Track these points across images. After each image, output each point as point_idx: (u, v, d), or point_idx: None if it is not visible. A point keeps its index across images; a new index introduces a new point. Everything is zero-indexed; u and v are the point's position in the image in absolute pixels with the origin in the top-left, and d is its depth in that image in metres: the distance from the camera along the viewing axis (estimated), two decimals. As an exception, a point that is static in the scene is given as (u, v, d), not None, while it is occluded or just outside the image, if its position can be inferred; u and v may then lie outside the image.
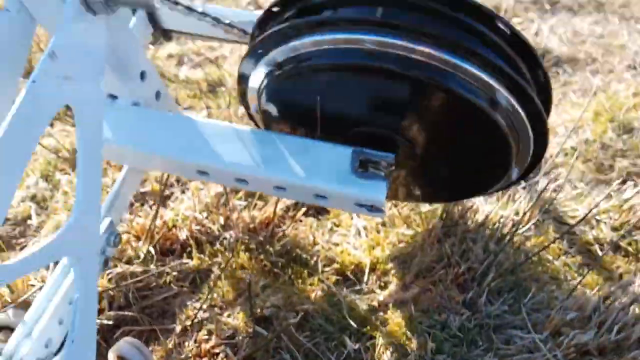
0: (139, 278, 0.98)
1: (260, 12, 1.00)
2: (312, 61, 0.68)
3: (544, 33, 2.05)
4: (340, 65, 0.67)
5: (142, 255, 1.02)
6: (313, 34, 0.66)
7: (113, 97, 0.80)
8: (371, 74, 0.68)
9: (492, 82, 0.64)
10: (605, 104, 1.58)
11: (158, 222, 1.07)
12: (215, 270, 1.04)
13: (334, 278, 1.06)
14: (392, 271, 1.09)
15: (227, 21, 0.87)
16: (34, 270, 0.60)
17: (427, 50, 0.62)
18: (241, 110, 1.57)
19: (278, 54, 0.70)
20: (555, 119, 1.57)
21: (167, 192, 1.25)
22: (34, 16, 0.66)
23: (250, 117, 0.89)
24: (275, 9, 0.74)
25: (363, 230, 1.17)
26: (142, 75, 0.80)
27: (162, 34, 1.00)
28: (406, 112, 0.74)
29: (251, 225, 1.11)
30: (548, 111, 0.77)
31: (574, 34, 2.05)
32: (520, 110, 0.67)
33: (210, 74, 1.79)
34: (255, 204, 1.15)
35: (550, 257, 1.14)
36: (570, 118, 1.57)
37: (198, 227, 1.10)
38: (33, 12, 0.65)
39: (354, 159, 0.70)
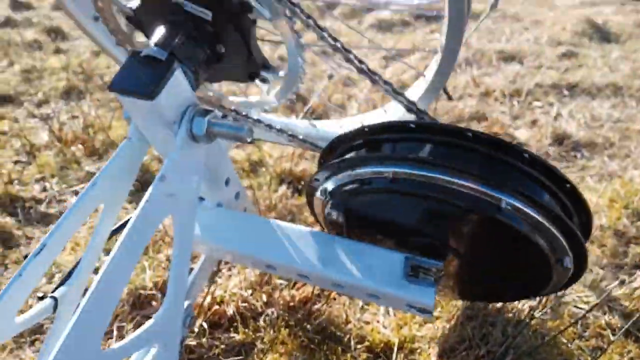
0: (193, 351, 1.12)
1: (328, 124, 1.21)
2: (372, 185, 0.82)
3: (563, 117, 2.19)
4: (396, 191, 0.80)
5: (195, 330, 1.17)
6: (375, 165, 0.80)
7: (201, 199, 0.98)
8: (424, 200, 0.80)
9: (533, 213, 0.74)
10: (620, 191, 1.69)
11: (208, 299, 1.22)
12: (259, 344, 1.17)
13: (365, 355, 1.17)
14: (419, 350, 1.20)
15: (301, 137, 1.06)
16: (127, 356, 0.74)
17: (472, 185, 0.74)
18: (281, 190, 1.74)
19: (345, 176, 0.85)
20: (573, 204, 1.68)
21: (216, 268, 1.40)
22: (150, 143, 0.85)
23: (314, 216, 1.04)
24: (344, 138, 0.90)
25: (392, 309, 1.28)
26: (227, 181, 0.97)
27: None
28: (454, 229, 0.85)
29: (291, 304, 1.24)
30: (588, 234, 0.87)
31: (592, 118, 2.18)
32: (560, 237, 0.76)
33: (252, 154, 1.99)
34: (295, 284, 1.30)
35: (565, 341, 1.22)
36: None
37: (244, 304, 1.24)
38: (150, 140, 0.84)
39: (406, 264, 0.81)
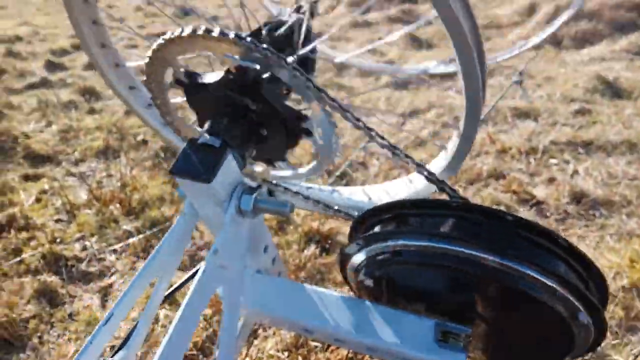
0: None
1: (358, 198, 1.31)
2: (403, 256, 0.89)
3: (580, 175, 2.26)
4: (425, 263, 0.87)
5: (236, 392, 1.22)
6: (405, 239, 0.87)
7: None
8: (451, 271, 0.86)
9: (555, 285, 0.80)
10: (641, 251, 1.73)
11: (248, 360, 1.28)
12: (295, 407, 1.22)
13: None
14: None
15: (335, 207, 1.15)
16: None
17: (495, 259, 0.81)
18: (310, 249, 1.82)
19: (377, 248, 0.92)
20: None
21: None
22: (201, 218, 0.94)
23: (346, 280, 1.11)
24: (375, 211, 0.98)
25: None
26: (265, 249, 1.06)
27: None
28: (480, 297, 0.91)
29: (325, 366, 1.29)
30: (605, 304, 0.92)
31: (609, 175, 2.24)
32: (581, 307, 0.81)
33: (282, 212, 2.08)
34: (329, 346, 1.35)
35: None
36: (607, 263, 1.71)
37: (281, 366, 1.29)
38: (202, 216, 0.94)
39: (437, 330, 0.87)
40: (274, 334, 1.42)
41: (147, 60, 0.91)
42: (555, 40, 4.09)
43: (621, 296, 1.57)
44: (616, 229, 1.91)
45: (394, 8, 5.76)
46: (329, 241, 1.89)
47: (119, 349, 0.95)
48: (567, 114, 2.80)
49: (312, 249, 1.82)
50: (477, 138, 2.60)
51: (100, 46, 1.22)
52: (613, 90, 3.07)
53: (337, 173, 2.31)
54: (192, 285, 0.80)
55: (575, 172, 2.28)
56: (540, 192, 2.14)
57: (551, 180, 2.22)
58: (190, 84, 0.93)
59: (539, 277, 0.81)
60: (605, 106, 2.88)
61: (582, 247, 1.83)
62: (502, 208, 2.04)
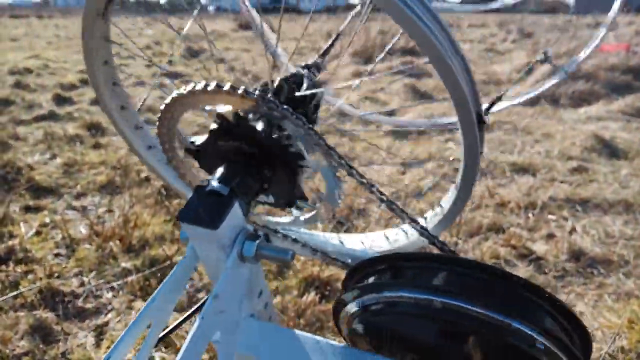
0: None
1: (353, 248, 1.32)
2: (398, 307, 0.89)
3: (578, 232, 2.28)
4: (421, 314, 0.88)
5: None
6: (401, 290, 0.88)
7: None
8: (443, 323, 0.88)
9: (538, 337, 0.81)
10: (639, 312, 1.73)
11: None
12: None
13: None
14: None
15: (333, 256, 1.16)
16: None
17: (487, 313, 0.82)
18: (309, 296, 1.81)
19: (373, 297, 0.92)
20: (592, 323, 1.72)
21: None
22: (202, 262, 0.95)
23: (338, 329, 1.11)
24: (370, 262, 1.00)
25: None
26: (260, 293, 1.06)
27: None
28: (474, 350, 0.91)
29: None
30: (588, 352, 0.93)
31: (606, 234, 2.27)
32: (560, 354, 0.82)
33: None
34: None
35: None
36: (606, 323, 1.71)
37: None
38: (203, 260, 0.95)
39: None
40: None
41: (158, 122, 0.96)
42: (553, 99, 4.23)
43: (621, 357, 1.56)
44: (614, 288, 1.92)
45: (396, 60, 5.96)
46: (329, 288, 1.88)
47: None
48: (564, 171, 2.86)
49: (311, 295, 1.81)
50: (477, 191, 2.64)
51: (111, 85, 1.27)
52: (610, 150, 3.15)
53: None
54: (192, 330, 0.80)
55: (573, 229, 2.31)
56: (539, 247, 2.16)
57: (550, 236, 2.25)
58: (200, 150, 0.97)
59: (528, 332, 0.82)
60: (602, 165, 2.95)
61: (581, 305, 1.83)
62: (502, 262, 2.05)
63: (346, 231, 2.29)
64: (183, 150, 1.09)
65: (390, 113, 3.97)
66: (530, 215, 2.42)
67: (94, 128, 3.72)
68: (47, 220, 2.39)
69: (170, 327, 1.21)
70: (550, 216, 2.42)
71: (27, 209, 2.52)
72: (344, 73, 5.62)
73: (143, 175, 2.89)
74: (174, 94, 0.92)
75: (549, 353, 0.83)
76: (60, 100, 4.55)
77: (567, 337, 0.89)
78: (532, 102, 4.20)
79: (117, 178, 2.85)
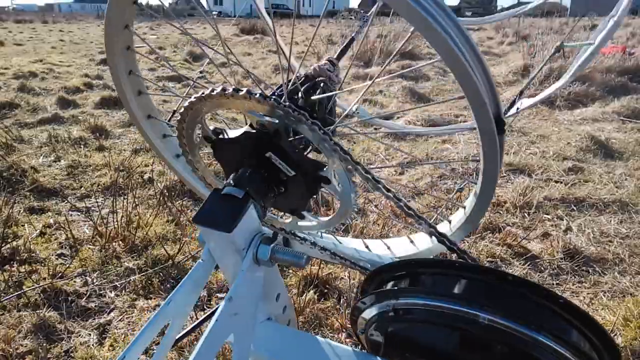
0: None
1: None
2: (413, 315, 0.90)
3: (573, 231, 2.32)
4: (435, 321, 0.88)
5: None
6: (417, 297, 0.89)
7: None
8: (460, 331, 0.88)
9: (562, 351, 0.79)
10: (634, 310, 1.76)
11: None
12: None
13: None
14: None
15: (351, 260, 1.18)
16: None
17: (506, 323, 0.81)
18: (308, 294, 1.84)
19: (389, 304, 0.93)
20: (587, 320, 1.75)
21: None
22: (218, 264, 0.98)
23: (357, 336, 1.09)
24: (388, 268, 1.00)
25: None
26: (278, 297, 1.07)
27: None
28: (484, 354, 0.90)
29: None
30: None
31: (601, 233, 2.30)
32: None
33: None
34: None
35: None
36: (602, 321, 1.74)
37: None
38: (219, 263, 0.96)
39: None
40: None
41: (178, 118, 0.99)
42: (549, 100, 4.27)
43: (614, 353, 1.59)
44: (609, 286, 1.95)
45: (394, 63, 6.00)
46: (327, 286, 1.92)
47: None
48: (560, 171, 2.90)
49: (310, 293, 1.85)
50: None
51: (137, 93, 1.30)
52: (605, 151, 3.19)
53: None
54: (206, 331, 0.81)
55: (569, 228, 2.35)
56: (534, 246, 2.20)
57: (545, 235, 2.28)
58: (217, 140, 0.99)
59: (551, 344, 0.80)
60: (597, 165, 2.98)
61: (576, 303, 1.86)
62: (498, 261, 2.09)
63: (344, 231, 2.33)
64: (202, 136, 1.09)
65: (388, 117, 4.00)
66: (525, 214, 2.45)
67: (98, 131, 3.77)
68: (51, 221, 2.43)
69: (187, 329, 1.24)
70: (545, 216, 2.45)
71: (32, 211, 2.56)
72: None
73: (146, 176, 2.93)
74: (192, 98, 0.94)
75: None
76: (64, 103, 4.60)
77: (596, 355, 0.85)
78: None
79: (121, 180, 2.89)
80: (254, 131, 0.95)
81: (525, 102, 1.95)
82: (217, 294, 1.90)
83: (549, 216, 2.45)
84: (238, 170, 0.98)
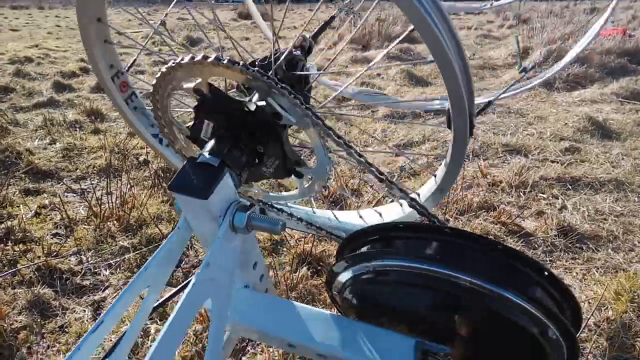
0: None
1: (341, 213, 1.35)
2: (387, 276, 0.92)
3: (568, 210, 2.32)
4: (406, 282, 0.91)
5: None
6: (389, 259, 0.91)
7: None
8: (431, 291, 0.90)
9: (529, 307, 0.83)
10: (626, 284, 1.77)
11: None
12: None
13: None
14: None
15: (324, 229, 1.19)
16: None
17: (472, 280, 0.84)
18: (302, 271, 1.85)
19: (363, 267, 0.95)
20: (580, 295, 1.76)
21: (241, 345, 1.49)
22: (194, 231, 0.98)
23: (332, 299, 1.13)
24: (362, 233, 1.02)
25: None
26: (255, 265, 1.08)
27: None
28: (459, 317, 0.93)
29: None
30: (578, 327, 0.94)
31: (596, 211, 2.30)
32: (553, 326, 0.84)
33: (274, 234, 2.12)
34: (315, 364, 1.37)
35: None
36: (593, 295, 1.75)
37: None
38: (195, 231, 0.97)
39: (417, 348, 0.89)
40: (262, 350, 1.44)
41: (156, 78, 0.98)
42: (547, 82, 4.24)
43: (606, 327, 1.60)
44: (602, 262, 1.96)
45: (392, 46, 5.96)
46: (321, 263, 1.92)
47: (106, 356, 0.97)
48: (556, 151, 2.89)
49: (303, 270, 1.85)
50: (469, 171, 2.68)
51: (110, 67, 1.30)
52: (603, 131, 3.17)
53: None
54: (182, 296, 0.83)
55: (564, 207, 2.34)
56: (529, 224, 2.20)
57: (540, 213, 2.28)
58: (209, 99, 0.97)
59: (516, 300, 0.84)
60: (594, 146, 2.97)
61: (569, 278, 1.87)
62: (491, 238, 2.08)
63: (340, 209, 2.33)
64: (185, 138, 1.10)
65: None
66: (521, 194, 2.45)
67: (94, 114, 3.75)
68: (47, 202, 2.43)
69: (165, 296, 1.24)
70: (541, 195, 2.45)
71: (27, 192, 2.56)
72: (342, 59, 5.63)
73: (141, 158, 2.93)
74: (171, 62, 0.93)
75: (538, 323, 0.84)
76: (60, 87, 4.58)
77: (557, 307, 0.90)
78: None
79: (116, 161, 2.89)
80: (253, 108, 0.94)
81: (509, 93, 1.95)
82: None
83: (544, 195, 2.45)
84: (217, 141, 0.98)
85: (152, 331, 1.60)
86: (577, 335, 0.90)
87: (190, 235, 1.01)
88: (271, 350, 1.43)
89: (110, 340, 1.54)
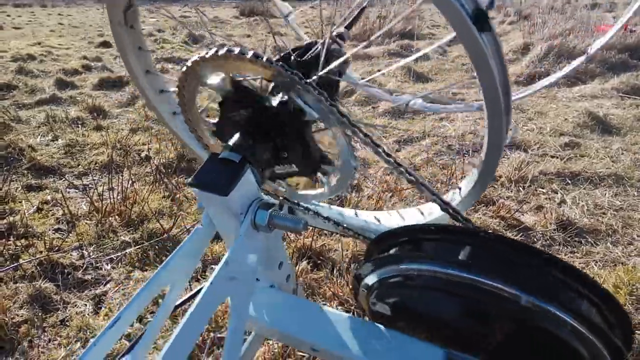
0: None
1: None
2: (415, 281, 0.87)
3: (567, 204, 2.32)
4: (437, 288, 0.85)
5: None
6: (418, 263, 0.86)
7: (256, 279, 1.06)
8: (462, 299, 0.84)
9: (569, 319, 0.75)
10: (624, 277, 1.77)
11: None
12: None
13: None
14: None
15: (345, 224, 1.18)
16: None
17: (506, 289, 0.78)
18: (302, 265, 1.86)
19: (391, 270, 0.91)
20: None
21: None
22: (217, 229, 0.96)
23: (357, 300, 1.06)
24: (392, 235, 0.97)
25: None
26: (280, 265, 1.06)
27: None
28: (491, 328, 0.86)
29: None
30: (629, 344, 0.85)
31: (595, 205, 2.31)
32: (601, 347, 0.76)
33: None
34: (314, 358, 1.38)
35: None
36: (591, 288, 1.76)
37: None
38: (218, 228, 0.95)
39: (445, 359, 0.86)
40: (263, 343, 1.46)
41: (182, 73, 0.97)
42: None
43: (602, 319, 1.61)
44: (601, 256, 1.96)
45: (393, 43, 5.96)
46: (321, 257, 1.94)
47: (125, 353, 0.96)
48: (556, 146, 2.89)
49: (303, 264, 1.87)
50: (468, 166, 2.68)
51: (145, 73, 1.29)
52: (603, 126, 3.17)
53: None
54: (201, 293, 0.80)
55: (563, 201, 2.35)
56: (528, 218, 2.20)
57: (539, 208, 2.29)
58: (235, 94, 0.96)
59: (559, 314, 0.76)
60: (594, 141, 2.97)
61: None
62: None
63: (339, 205, 2.34)
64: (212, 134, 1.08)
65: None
66: (520, 188, 2.46)
67: (96, 111, 3.77)
68: (49, 198, 2.45)
69: (187, 295, 1.24)
70: (540, 189, 2.46)
71: (29, 188, 2.58)
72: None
73: (143, 154, 2.94)
74: (195, 56, 0.92)
75: (583, 339, 0.77)
76: (62, 85, 4.60)
77: (605, 323, 0.82)
78: (526, 82, 4.21)
79: (118, 158, 2.90)
80: (276, 104, 0.93)
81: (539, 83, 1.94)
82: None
83: (543, 190, 2.45)
84: (240, 136, 0.97)
85: (173, 331, 1.61)
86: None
87: (212, 232, 0.98)
88: (270, 343, 1.44)
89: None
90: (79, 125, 3.50)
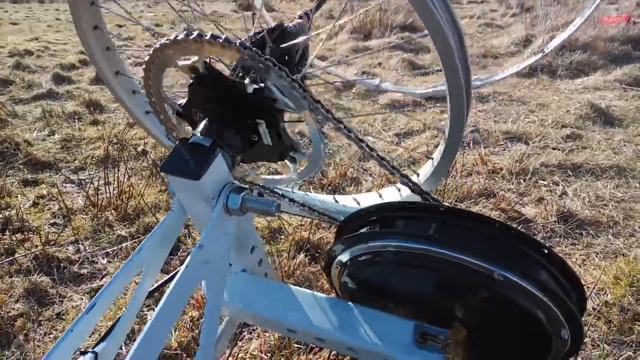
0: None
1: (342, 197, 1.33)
2: (384, 257, 0.90)
3: (568, 196, 2.29)
4: (404, 263, 0.88)
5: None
6: (387, 239, 0.89)
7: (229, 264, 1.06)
8: (430, 272, 0.87)
9: (529, 287, 0.80)
10: (625, 269, 1.75)
11: (231, 360, 1.29)
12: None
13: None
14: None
15: (320, 211, 1.18)
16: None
17: (470, 260, 0.82)
18: (299, 257, 1.84)
19: (360, 248, 0.94)
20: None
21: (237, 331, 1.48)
22: (188, 213, 0.97)
23: (331, 283, 1.10)
24: (362, 214, 1.00)
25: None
26: (252, 249, 1.06)
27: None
28: (458, 300, 0.91)
29: (307, 368, 1.30)
30: (583, 308, 0.91)
31: (597, 197, 2.28)
32: (558, 311, 0.81)
33: (272, 222, 2.11)
34: (312, 349, 1.36)
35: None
36: (592, 280, 1.73)
37: (263, 367, 1.30)
38: (189, 213, 0.96)
39: (415, 331, 0.88)
40: (259, 335, 1.44)
41: (148, 56, 0.95)
42: (550, 70, 4.19)
43: (605, 311, 1.59)
44: (602, 247, 1.94)
45: (394, 35, 5.91)
46: (319, 250, 1.91)
47: (101, 339, 0.96)
48: (558, 138, 2.86)
49: (301, 257, 1.85)
50: (469, 159, 2.65)
51: (105, 49, 1.28)
52: (605, 118, 3.13)
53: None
54: (176, 278, 0.81)
55: (564, 193, 2.32)
56: (528, 211, 2.18)
57: (540, 200, 2.26)
58: (206, 77, 0.94)
59: (520, 282, 0.81)
60: (596, 132, 2.94)
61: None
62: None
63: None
64: (175, 115, 1.08)
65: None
66: (521, 181, 2.43)
67: (93, 106, 3.74)
68: (45, 192, 2.43)
69: (161, 281, 1.24)
70: (541, 181, 2.43)
71: (25, 183, 2.56)
72: (343, 49, 5.59)
73: (140, 149, 2.92)
74: (157, 44, 0.91)
75: (541, 305, 0.81)
76: (59, 79, 4.57)
77: (562, 290, 0.86)
78: (528, 73, 4.17)
79: (115, 152, 2.88)
80: (251, 90, 0.91)
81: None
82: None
83: (544, 182, 2.43)
84: (209, 121, 0.96)
85: (149, 316, 1.59)
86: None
87: (184, 217, 0.99)
88: (267, 334, 1.42)
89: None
90: (76, 120, 3.47)
